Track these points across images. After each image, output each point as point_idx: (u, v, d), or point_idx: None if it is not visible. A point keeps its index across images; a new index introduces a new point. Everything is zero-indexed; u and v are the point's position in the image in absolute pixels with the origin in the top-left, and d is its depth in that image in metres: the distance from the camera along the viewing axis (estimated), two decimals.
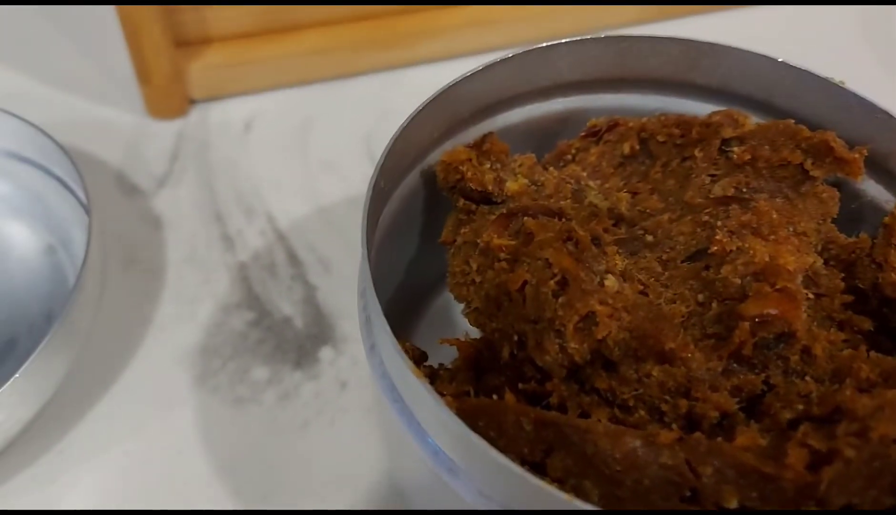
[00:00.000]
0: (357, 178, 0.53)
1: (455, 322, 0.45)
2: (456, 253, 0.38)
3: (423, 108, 0.38)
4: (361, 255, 0.32)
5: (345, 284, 0.48)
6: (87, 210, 0.42)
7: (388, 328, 0.30)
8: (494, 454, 0.27)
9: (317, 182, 0.52)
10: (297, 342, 0.45)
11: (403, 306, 0.44)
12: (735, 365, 0.31)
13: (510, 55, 0.40)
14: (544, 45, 0.40)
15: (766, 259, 0.33)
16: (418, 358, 0.36)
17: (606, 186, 0.40)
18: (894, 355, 0.32)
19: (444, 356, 0.35)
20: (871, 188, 0.39)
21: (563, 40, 0.40)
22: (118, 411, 0.42)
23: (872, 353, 0.31)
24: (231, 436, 0.41)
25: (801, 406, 0.29)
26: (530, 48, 0.40)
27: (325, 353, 0.44)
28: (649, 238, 0.38)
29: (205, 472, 0.40)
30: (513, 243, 0.34)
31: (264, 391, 0.43)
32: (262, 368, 0.44)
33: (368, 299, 0.32)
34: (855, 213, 0.40)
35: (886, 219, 0.36)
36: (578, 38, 0.40)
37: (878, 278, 0.36)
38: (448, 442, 0.29)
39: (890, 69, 0.61)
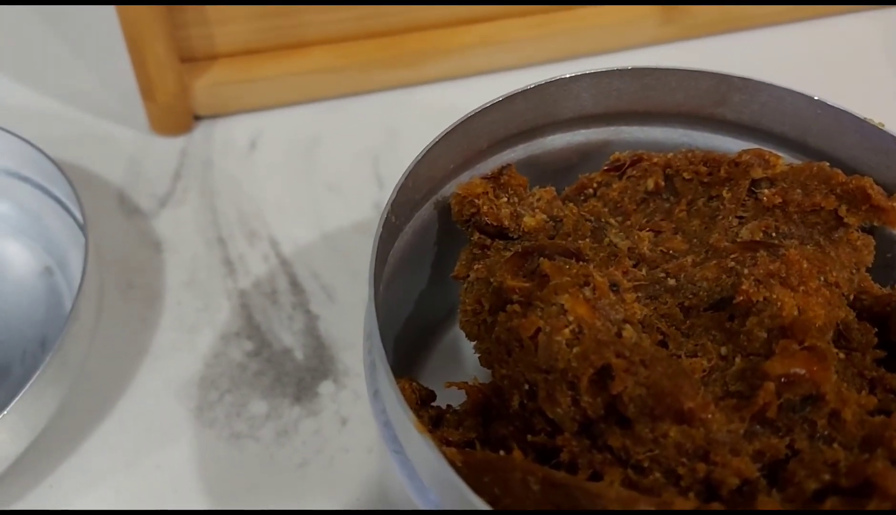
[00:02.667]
0: (363, 201, 0.51)
1: (465, 357, 0.44)
2: (469, 289, 0.36)
3: (438, 141, 0.36)
4: (369, 296, 0.31)
5: (348, 313, 0.46)
6: (85, 233, 0.41)
7: (393, 379, 0.28)
8: None
9: (322, 205, 0.51)
10: (297, 375, 0.43)
11: (413, 339, 0.43)
12: (758, 428, 0.29)
13: (531, 87, 0.38)
14: (566, 76, 0.39)
15: (795, 313, 0.32)
16: (425, 398, 0.35)
17: (628, 223, 0.38)
18: None
19: (452, 394, 0.33)
20: None
21: (586, 72, 0.39)
22: (111, 445, 0.41)
23: None
24: (227, 475, 0.40)
25: (827, 476, 0.27)
26: (551, 80, 0.38)
27: (326, 387, 0.43)
28: (671, 282, 0.36)
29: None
30: (527, 285, 0.32)
31: (262, 427, 0.41)
32: (260, 402, 0.42)
33: (374, 345, 0.30)
34: (890, 260, 0.38)
35: None
36: (602, 70, 0.39)
37: None
38: (450, 500, 0.28)
39: None
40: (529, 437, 0.31)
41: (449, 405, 0.34)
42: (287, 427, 0.41)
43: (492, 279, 0.35)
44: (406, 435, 0.29)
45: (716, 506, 0.26)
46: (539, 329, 0.30)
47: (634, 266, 0.37)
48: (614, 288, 0.32)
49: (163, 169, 0.52)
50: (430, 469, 0.28)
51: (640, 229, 0.38)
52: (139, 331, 0.45)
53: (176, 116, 0.53)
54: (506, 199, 0.38)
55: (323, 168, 0.53)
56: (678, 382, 0.29)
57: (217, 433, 0.41)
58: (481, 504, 0.25)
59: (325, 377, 0.43)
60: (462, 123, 0.37)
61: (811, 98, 0.37)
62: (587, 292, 0.31)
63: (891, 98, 0.58)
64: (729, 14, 0.61)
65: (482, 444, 0.32)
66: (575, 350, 0.29)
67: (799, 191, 0.36)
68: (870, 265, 0.36)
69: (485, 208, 0.36)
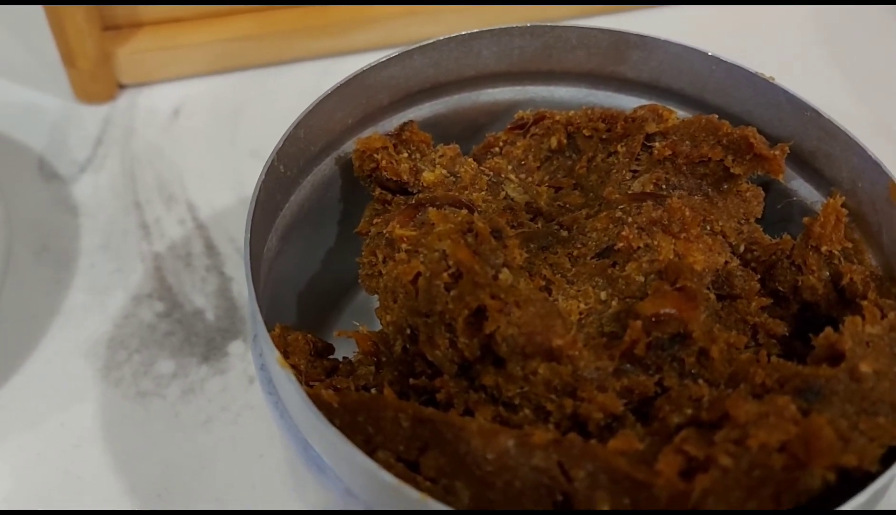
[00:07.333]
0: None
1: None
2: (368, 244, 0.36)
3: (331, 93, 0.36)
4: (245, 241, 0.31)
5: None
6: None
7: (261, 320, 0.29)
8: (354, 451, 0.25)
9: (243, 171, 0.51)
10: (206, 336, 0.43)
11: (323, 297, 0.43)
12: (628, 366, 0.29)
13: (428, 42, 0.38)
14: (465, 33, 0.39)
15: (671, 257, 0.32)
16: (321, 350, 0.35)
17: (530, 180, 0.39)
18: (805, 361, 0.31)
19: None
20: (801, 187, 0.38)
21: (485, 29, 0.39)
22: (16, 403, 0.41)
23: (773, 358, 0.30)
24: (130, 431, 0.40)
25: (690, 411, 0.28)
26: (450, 36, 0.39)
27: (235, 347, 0.43)
28: (563, 233, 0.36)
29: (100, 468, 0.39)
30: (414, 233, 0.33)
31: (168, 385, 0.41)
32: (168, 361, 0.42)
33: (248, 289, 0.30)
34: (784, 213, 0.38)
35: (806, 220, 0.35)
36: (501, 27, 0.39)
37: (798, 281, 0.34)
38: (315, 438, 0.28)
39: (844, 70, 0.59)
40: (411, 380, 0.31)
41: (345, 357, 0.34)
42: (194, 386, 0.41)
43: (384, 231, 0.35)
44: (276, 374, 0.29)
45: (572, 438, 0.27)
46: (419, 274, 0.30)
47: (532, 220, 0.38)
48: (497, 234, 0.33)
49: (85, 136, 0.52)
50: (295, 405, 0.28)
51: (540, 185, 0.39)
52: (51, 293, 0.44)
53: (99, 83, 0.53)
54: (407, 154, 0.38)
55: (246, 136, 0.53)
56: (549, 321, 0.29)
57: (123, 392, 0.41)
58: (339, 439, 0.26)
59: (235, 337, 0.43)
60: (356, 76, 0.37)
61: (706, 54, 0.38)
62: (469, 238, 0.31)
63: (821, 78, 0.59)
64: None
65: (371, 390, 0.32)
66: (452, 293, 0.29)
67: (688, 143, 0.36)
68: (759, 216, 0.36)
69: (384, 162, 0.37)
